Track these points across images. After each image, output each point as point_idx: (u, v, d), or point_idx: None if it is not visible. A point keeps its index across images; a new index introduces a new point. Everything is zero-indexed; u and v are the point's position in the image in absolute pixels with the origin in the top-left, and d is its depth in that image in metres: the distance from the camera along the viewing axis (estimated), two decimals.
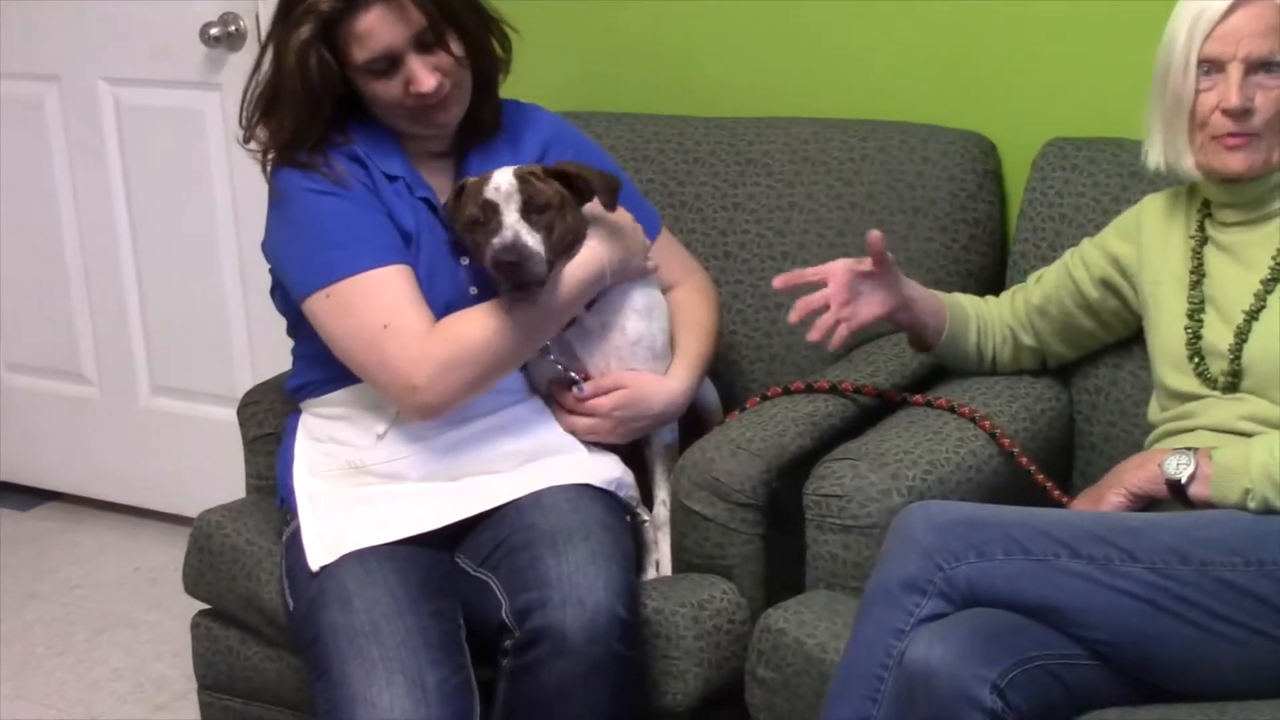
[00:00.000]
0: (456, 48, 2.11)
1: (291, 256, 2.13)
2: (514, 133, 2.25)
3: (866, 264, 2.13)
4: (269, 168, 2.16)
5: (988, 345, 2.28)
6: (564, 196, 2.09)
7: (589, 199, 2.13)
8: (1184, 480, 1.92)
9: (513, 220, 2.04)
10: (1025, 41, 2.54)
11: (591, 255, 2.13)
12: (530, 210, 2.05)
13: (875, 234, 2.11)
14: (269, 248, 2.18)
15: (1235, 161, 1.98)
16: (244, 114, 2.17)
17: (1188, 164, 2.03)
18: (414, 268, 2.11)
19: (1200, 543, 1.77)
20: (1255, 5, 1.95)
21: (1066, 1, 2.49)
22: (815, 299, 2.11)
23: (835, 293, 2.11)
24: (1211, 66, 1.97)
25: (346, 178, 2.11)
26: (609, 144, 2.72)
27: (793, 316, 2.10)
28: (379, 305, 2.06)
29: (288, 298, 2.16)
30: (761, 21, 2.75)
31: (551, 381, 2.22)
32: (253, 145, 2.17)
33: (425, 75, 2.08)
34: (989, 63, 2.58)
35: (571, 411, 2.20)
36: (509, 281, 2.04)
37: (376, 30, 2.07)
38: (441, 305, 2.11)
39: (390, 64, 2.08)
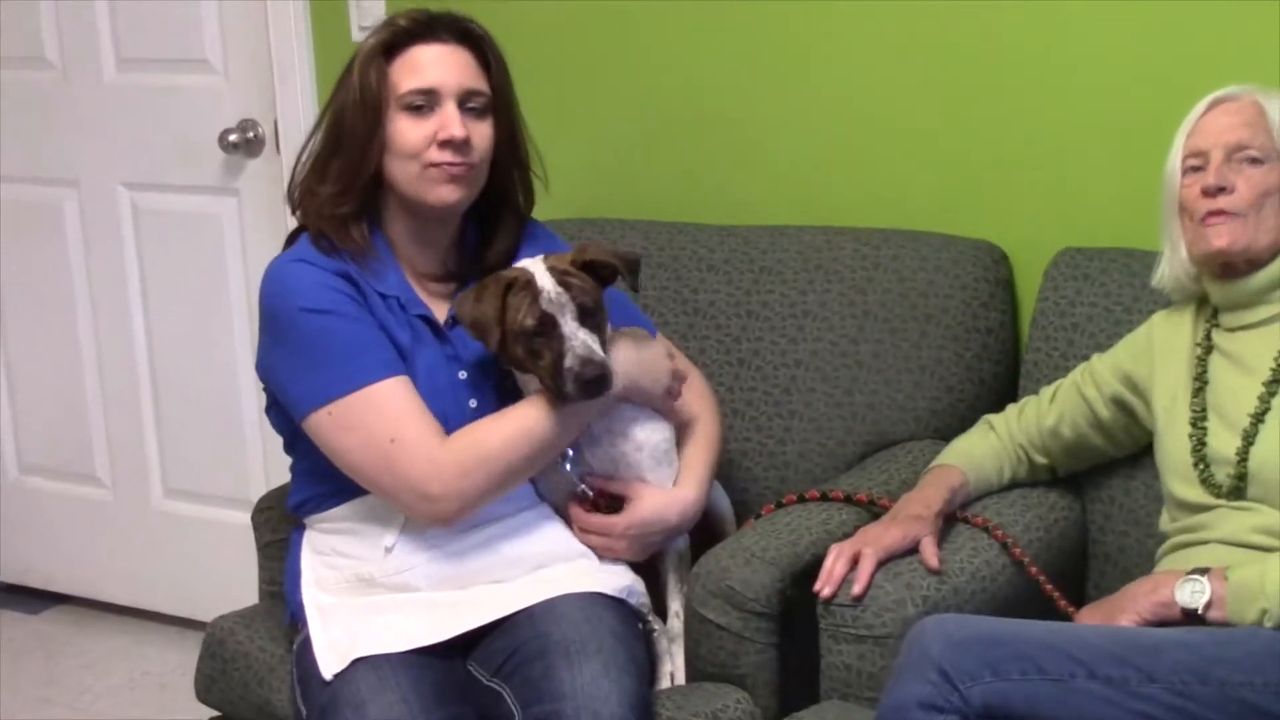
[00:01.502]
0: (494, 130, 2.16)
1: (288, 376, 2.12)
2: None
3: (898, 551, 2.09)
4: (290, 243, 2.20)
5: (1005, 477, 2.29)
6: (600, 293, 2.11)
7: (611, 282, 2.14)
8: (1200, 609, 1.91)
9: (576, 331, 2.04)
10: (1037, 151, 2.57)
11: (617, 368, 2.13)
12: (584, 316, 2.06)
13: (934, 564, 2.06)
14: (263, 369, 2.18)
15: (1217, 237, 2.05)
16: (294, 176, 2.20)
17: (1182, 255, 2.11)
18: (412, 380, 2.10)
19: (1219, 661, 1.77)
20: (1234, 103, 2.10)
21: (1079, 112, 2.52)
22: (841, 571, 2.05)
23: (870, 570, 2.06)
24: (1198, 161, 2.08)
25: (367, 258, 2.13)
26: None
27: (826, 591, 2.03)
28: (383, 419, 2.05)
29: (283, 415, 2.16)
30: (775, 130, 2.77)
31: (566, 497, 2.21)
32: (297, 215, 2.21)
33: (458, 123, 2.11)
34: (1001, 172, 2.60)
35: (587, 530, 2.19)
36: (583, 393, 2.05)
37: (436, 64, 2.12)
38: (439, 413, 2.10)
39: (429, 103, 2.11)
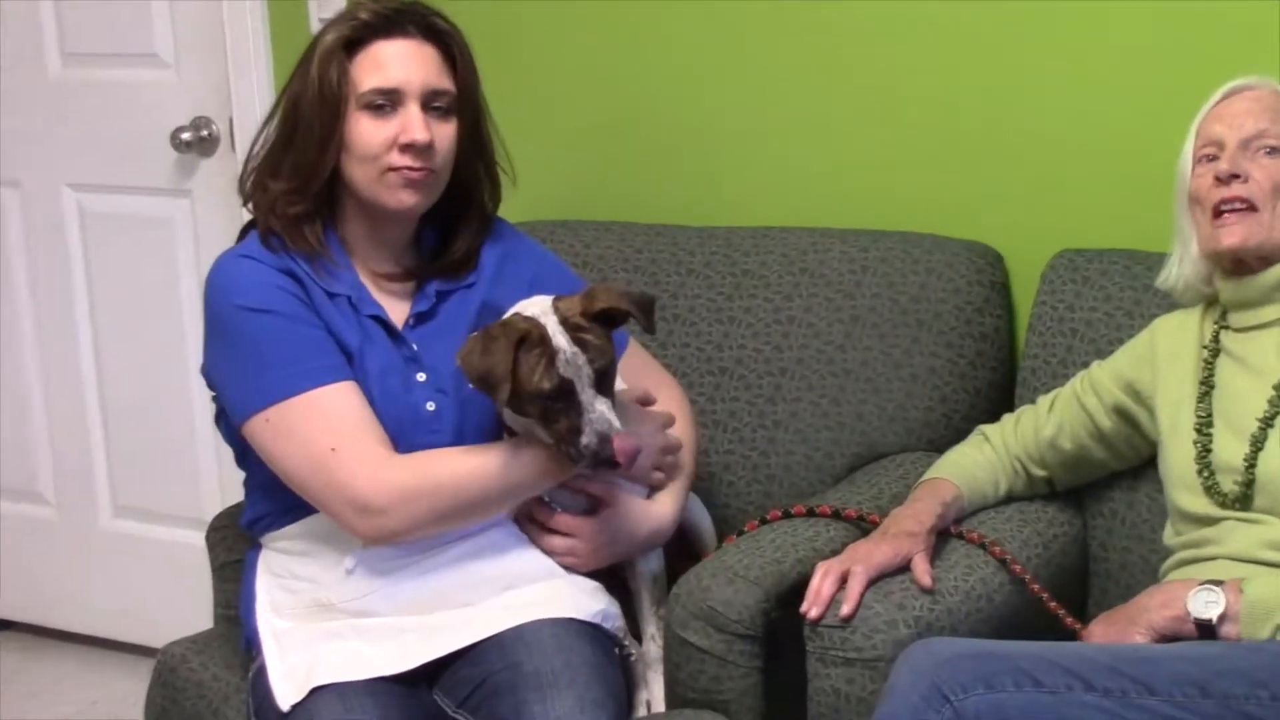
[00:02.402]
0: (458, 131, 2.14)
1: (227, 379, 2.12)
2: (498, 265, 2.25)
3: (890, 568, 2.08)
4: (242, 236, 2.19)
5: (1001, 490, 2.29)
6: (613, 349, 2.07)
7: (620, 325, 2.11)
8: (1214, 620, 1.91)
9: (594, 401, 2.01)
10: (1034, 148, 2.57)
11: None
12: (601, 382, 2.02)
13: (927, 582, 2.05)
14: (206, 372, 2.18)
15: (1230, 235, 2.06)
16: (246, 166, 2.19)
17: (1194, 252, 2.12)
18: (360, 385, 2.10)
19: (1222, 674, 1.76)
20: (1253, 91, 2.11)
21: (1078, 107, 2.52)
22: (829, 591, 2.03)
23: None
24: (1213, 150, 2.08)
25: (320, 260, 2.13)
26: (598, 254, 2.75)
27: (813, 613, 2.02)
28: (325, 426, 2.05)
29: (231, 425, 2.16)
30: (758, 127, 2.78)
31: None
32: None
33: (421, 126, 2.09)
34: (996, 169, 2.60)
35: (546, 529, 2.18)
36: (596, 468, 2.03)
37: (399, 61, 2.10)
38: (393, 422, 2.10)
39: (391, 104, 2.09)
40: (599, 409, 2.01)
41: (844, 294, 2.57)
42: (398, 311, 2.18)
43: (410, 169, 2.10)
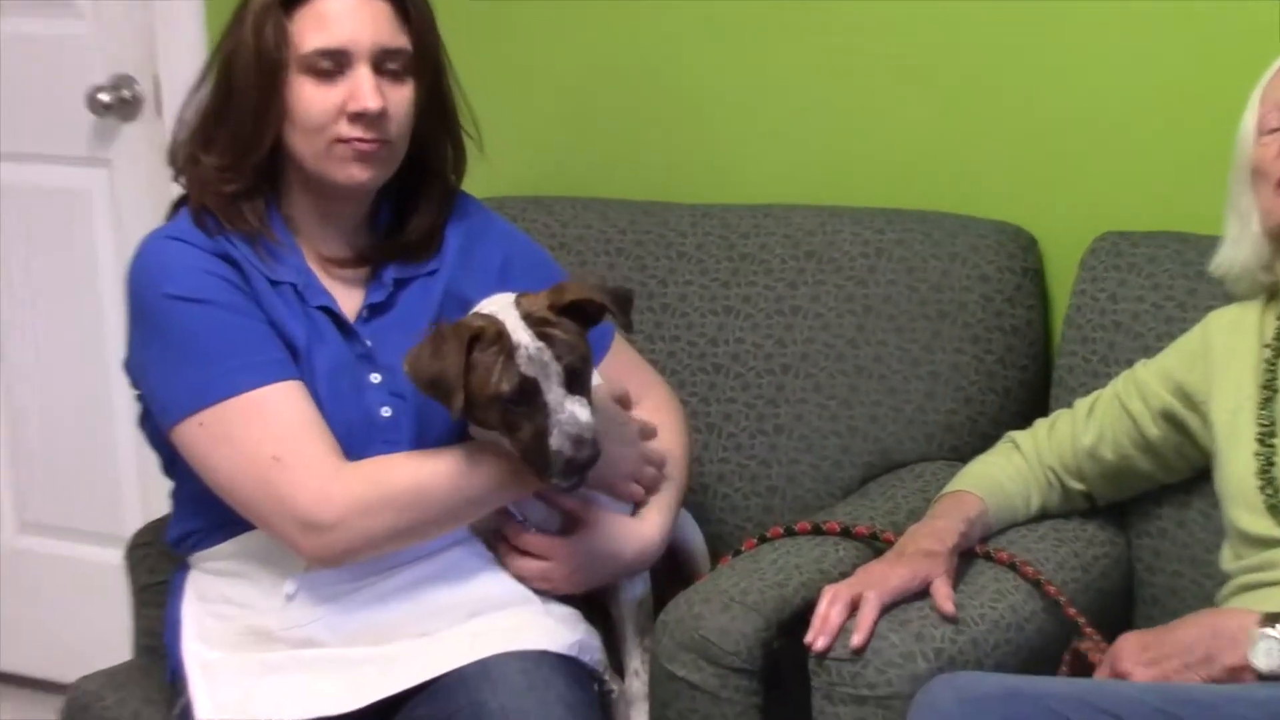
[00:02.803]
0: (415, 95, 2.15)
1: (156, 377, 2.12)
2: (463, 247, 2.25)
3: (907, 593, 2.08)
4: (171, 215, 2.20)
5: (1033, 505, 2.30)
6: (587, 345, 2.07)
7: (596, 323, 2.12)
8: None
9: (564, 401, 2.00)
10: (1073, 115, 2.58)
11: None
12: (571, 379, 2.02)
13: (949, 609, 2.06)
14: (131, 369, 2.18)
15: None
16: (176, 134, 2.19)
17: (1254, 230, 2.13)
18: (306, 386, 2.10)
19: None
20: None
21: (1121, 67, 2.54)
22: (838, 619, 2.03)
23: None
24: (1279, 119, 2.10)
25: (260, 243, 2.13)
26: (576, 234, 2.76)
27: (819, 643, 2.02)
28: (267, 432, 2.05)
29: (158, 429, 2.15)
30: (759, 91, 2.78)
31: (496, 514, 2.20)
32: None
33: (372, 92, 2.09)
34: (1029, 140, 2.61)
35: (517, 550, 2.18)
36: (570, 477, 2.03)
37: (345, 17, 2.10)
38: (343, 430, 2.10)
39: (338, 66, 2.09)
40: (569, 408, 2.00)
41: (856, 281, 2.58)
42: (350, 302, 2.19)
43: (361, 140, 2.10)
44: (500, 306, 2.05)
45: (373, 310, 2.19)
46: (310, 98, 2.10)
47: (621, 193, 2.82)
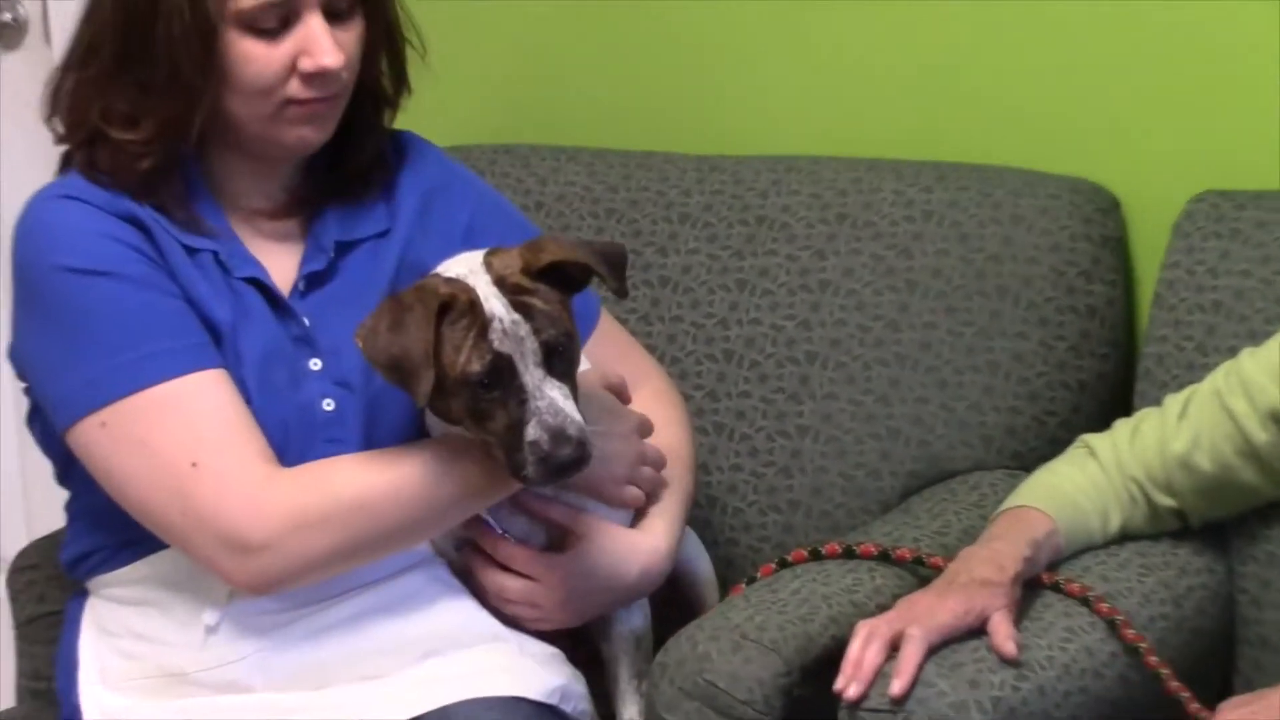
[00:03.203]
0: (364, 32, 2.16)
1: (48, 368, 2.11)
2: (421, 206, 2.28)
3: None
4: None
5: (1112, 524, 2.29)
6: (571, 318, 2.07)
7: (580, 289, 2.12)
8: None
9: (543, 384, 2.00)
10: (1164, 50, 2.58)
11: None
12: (551, 358, 2.02)
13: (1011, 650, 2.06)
14: (17, 357, 2.17)
15: None
16: (62, 85, 2.19)
17: None
18: (232, 375, 2.11)
19: None
20: None
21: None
22: (874, 661, 2.03)
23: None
24: None
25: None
26: (556, 192, 2.77)
27: (852, 691, 2.02)
28: (184, 432, 2.05)
29: (51, 429, 2.15)
30: (780, 18, 2.79)
31: (464, 527, 2.22)
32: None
33: (330, 45, 2.10)
34: (1111, 82, 2.62)
35: (505, 568, 2.19)
36: (549, 478, 2.03)
37: None
38: (278, 429, 2.11)
39: (284, 21, 2.09)
40: (549, 394, 2.00)
41: (898, 251, 2.58)
42: (283, 271, 2.19)
43: (317, 100, 2.13)
44: (468, 269, 2.04)
45: (311, 281, 2.19)
46: (252, 57, 2.10)
47: (612, 141, 2.84)
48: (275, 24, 2.09)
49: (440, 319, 2.00)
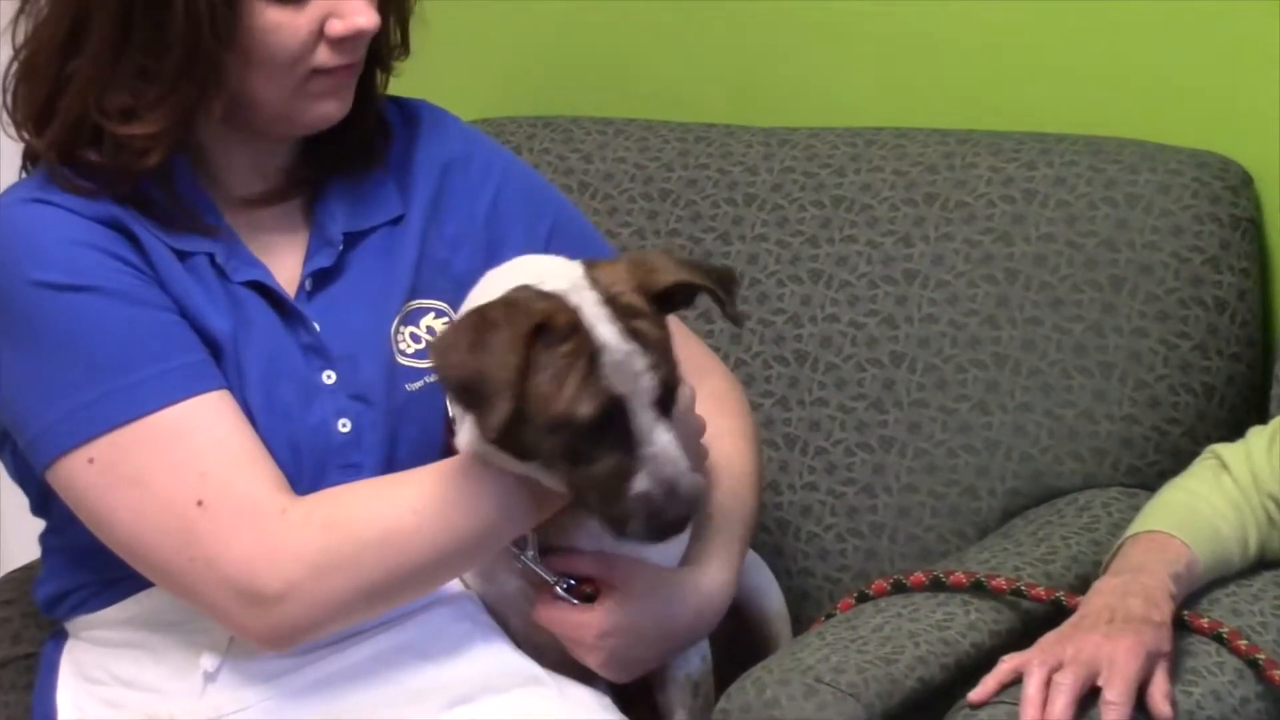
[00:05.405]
0: None
1: (24, 397, 2.10)
2: (439, 187, 2.29)
3: None
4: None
5: (1251, 548, 2.28)
6: (673, 348, 2.06)
7: (679, 310, 2.12)
8: None
9: (657, 429, 1.99)
10: None
11: None
12: (665, 398, 2.00)
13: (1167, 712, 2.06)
14: None
15: None
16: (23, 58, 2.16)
17: None
18: (235, 396, 2.11)
19: None
20: None
21: None
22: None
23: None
24: None
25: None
26: (603, 170, 2.80)
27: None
28: (185, 468, 2.05)
29: (24, 460, 2.15)
30: None
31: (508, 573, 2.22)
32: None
33: (363, 4, 2.12)
34: (1241, 43, 2.61)
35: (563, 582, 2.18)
36: (656, 537, 2.02)
37: None
38: (288, 450, 2.12)
39: None
40: (661, 441, 1.98)
41: (996, 236, 2.59)
42: (286, 267, 2.21)
43: (345, 68, 2.15)
44: (569, 283, 2.00)
45: (318, 279, 2.20)
46: (278, 26, 2.10)
47: (667, 113, 2.86)
48: None
49: (534, 340, 1.96)
